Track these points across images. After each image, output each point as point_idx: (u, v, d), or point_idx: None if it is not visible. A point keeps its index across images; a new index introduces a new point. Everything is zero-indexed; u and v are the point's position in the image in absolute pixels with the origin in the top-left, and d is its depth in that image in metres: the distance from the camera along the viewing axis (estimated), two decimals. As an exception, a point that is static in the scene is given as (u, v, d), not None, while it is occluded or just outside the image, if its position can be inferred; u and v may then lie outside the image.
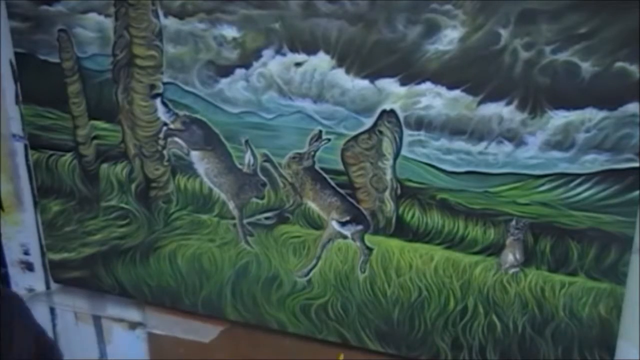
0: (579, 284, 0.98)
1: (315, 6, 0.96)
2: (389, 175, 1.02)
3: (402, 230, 1.05)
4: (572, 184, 0.94)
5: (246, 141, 1.08)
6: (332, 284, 1.11)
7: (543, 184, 0.95)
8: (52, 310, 1.40)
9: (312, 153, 1.05)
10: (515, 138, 0.94)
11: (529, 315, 1.02)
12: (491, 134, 0.94)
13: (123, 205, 1.21)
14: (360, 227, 1.07)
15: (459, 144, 0.97)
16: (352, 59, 0.97)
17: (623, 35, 0.85)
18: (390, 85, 0.97)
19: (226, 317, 1.21)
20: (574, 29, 0.87)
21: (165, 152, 1.14)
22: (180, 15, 1.05)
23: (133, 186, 1.19)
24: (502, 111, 0.93)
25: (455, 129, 0.96)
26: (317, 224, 1.09)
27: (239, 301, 1.18)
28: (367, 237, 1.07)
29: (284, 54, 1.01)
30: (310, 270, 1.12)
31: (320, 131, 1.03)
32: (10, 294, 0.83)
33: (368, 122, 1.00)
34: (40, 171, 1.25)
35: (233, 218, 1.14)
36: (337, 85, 0.99)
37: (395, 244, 1.06)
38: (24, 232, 1.34)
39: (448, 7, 0.91)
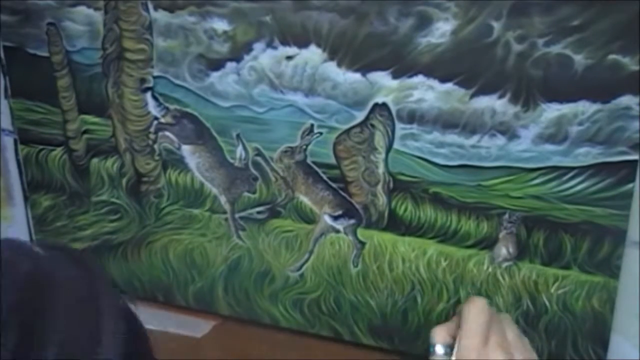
0: (572, 277, 0.98)
1: (307, -1, 0.96)
2: (381, 169, 1.01)
3: (394, 224, 1.04)
4: (565, 177, 0.93)
5: (237, 135, 1.07)
6: (324, 279, 1.11)
7: (536, 177, 0.95)
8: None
9: (304, 147, 1.04)
10: (508, 131, 0.93)
11: (523, 309, 1.01)
12: (484, 127, 0.94)
13: (114, 200, 1.21)
14: (352, 221, 1.06)
15: (452, 137, 0.96)
16: (343, 52, 0.97)
17: (616, 28, 0.84)
18: (382, 78, 0.96)
19: (218, 312, 1.20)
20: (566, 21, 0.86)
21: (156, 146, 1.14)
22: (171, 8, 1.04)
23: (124, 181, 1.19)
24: (495, 104, 0.93)
25: (447, 122, 0.96)
26: (309, 218, 1.09)
27: (231, 296, 1.18)
28: (359, 231, 1.07)
29: (275, 47, 1.00)
30: (303, 264, 1.11)
31: (312, 125, 1.02)
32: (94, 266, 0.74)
33: (360, 116, 1.00)
34: (30, 166, 1.24)
35: (225, 212, 1.13)
36: (329, 78, 0.99)
37: (387, 237, 1.05)
38: (14, 227, 1.33)
39: (440, -1, 0.90)
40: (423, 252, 1.04)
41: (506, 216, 0.98)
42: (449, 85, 0.94)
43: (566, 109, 0.90)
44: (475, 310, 0.79)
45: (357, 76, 0.97)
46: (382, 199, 1.03)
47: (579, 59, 0.87)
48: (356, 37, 0.95)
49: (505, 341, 0.79)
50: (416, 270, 1.05)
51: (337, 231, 1.08)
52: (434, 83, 0.94)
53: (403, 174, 1.01)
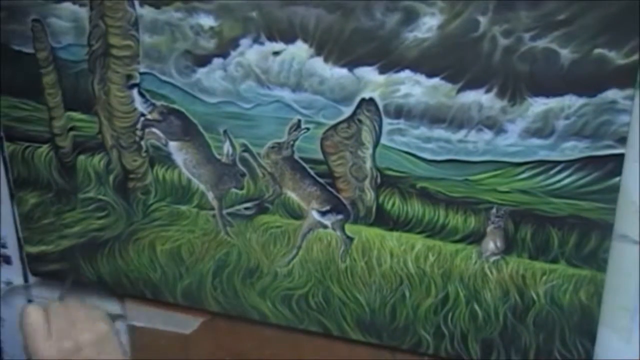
0: (559, 271, 0.98)
1: (293, -6, 0.96)
2: (368, 164, 1.01)
3: (382, 219, 1.04)
4: (552, 172, 0.93)
5: (224, 131, 1.07)
6: (313, 274, 1.11)
7: (523, 172, 0.95)
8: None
9: (291, 142, 1.04)
10: (495, 126, 0.93)
11: (511, 303, 1.02)
12: (471, 121, 0.94)
13: (101, 196, 1.20)
14: (340, 217, 1.06)
15: (439, 132, 0.96)
16: (330, 47, 0.97)
17: (602, 22, 0.84)
18: (369, 73, 0.96)
19: (207, 309, 1.20)
20: (553, 16, 0.86)
21: (143, 143, 1.13)
22: (157, 4, 1.04)
23: (111, 177, 1.18)
24: (482, 99, 0.93)
25: (434, 117, 0.96)
26: (297, 214, 1.09)
27: (220, 292, 1.18)
28: (347, 227, 1.07)
29: (261, 43, 1.00)
30: (291, 260, 1.11)
31: (299, 120, 1.02)
32: None
33: (347, 111, 1.00)
34: (16, 163, 1.23)
35: (212, 209, 1.13)
36: (316, 74, 0.99)
37: (375, 233, 1.05)
38: (0, 225, 1.33)
39: (426, -6, 0.90)
40: (411, 247, 1.04)
41: (493, 210, 0.98)
42: (435, 80, 0.94)
43: (553, 103, 0.90)
44: (26, 318, 0.94)
45: (344, 71, 0.97)
46: (369, 194, 1.03)
47: (565, 53, 0.87)
48: (343, 33, 0.95)
49: (67, 327, 0.93)
50: (404, 265, 1.05)
51: (325, 227, 1.08)
52: (421, 78, 0.94)
53: (390, 169, 1.01)
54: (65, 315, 0.96)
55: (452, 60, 0.92)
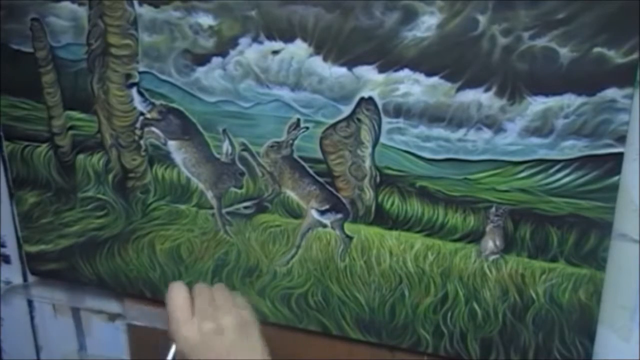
0: (559, 270, 0.98)
1: (292, -7, 0.96)
2: (368, 163, 1.01)
3: (381, 218, 1.04)
4: (551, 170, 0.93)
5: (224, 130, 1.07)
6: (312, 273, 1.11)
7: (522, 171, 0.95)
8: (30, 303, 1.39)
9: (291, 141, 1.04)
10: (494, 124, 0.93)
11: (510, 302, 1.02)
12: (470, 120, 0.94)
13: (100, 196, 1.20)
14: (339, 216, 1.06)
15: (438, 131, 0.96)
16: (329, 46, 0.96)
17: (601, 21, 0.84)
18: (368, 72, 0.96)
19: (206, 308, 1.20)
20: (552, 15, 0.86)
21: (142, 142, 1.13)
22: (156, 3, 1.04)
23: (110, 177, 1.18)
24: (481, 97, 0.93)
25: (434, 116, 0.96)
26: (296, 213, 1.09)
27: (219, 291, 1.18)
28: (346, 226, 1.07)
29: (260, 42, 1.00)
30: (290, 259, 1.11)
31: (299, 119, 1.02)
32: None
33: (346, 110, 1.00)
34: (15, 162, 1.23)
35: (212, 208, 1.13)
36: (315, 73, 0.99)
37: (375, 232, 1.05)
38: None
39: (425, -7, 0.90)
40: (410, 246, 1.04)
41: (493, 209, 0.98)
42: (435, 79, 0.94)
43: (552, 102, 0.90)
44: (170, 296, 0.91)
45: (343, 70, 0.97)
46: (369, 193, 1.03)
47: (565, 52, 0.87)
48: (342, 32, 0.95)
49: (210, 309, 0.89)
50: (403, 264, 1.05)
51: (324, 226, 1.08)
52: (420, 77, 0.94)
53: (390, 168, 1.01)
54: (209, 298, 0.92)
55: (451, 59, 0.92)
